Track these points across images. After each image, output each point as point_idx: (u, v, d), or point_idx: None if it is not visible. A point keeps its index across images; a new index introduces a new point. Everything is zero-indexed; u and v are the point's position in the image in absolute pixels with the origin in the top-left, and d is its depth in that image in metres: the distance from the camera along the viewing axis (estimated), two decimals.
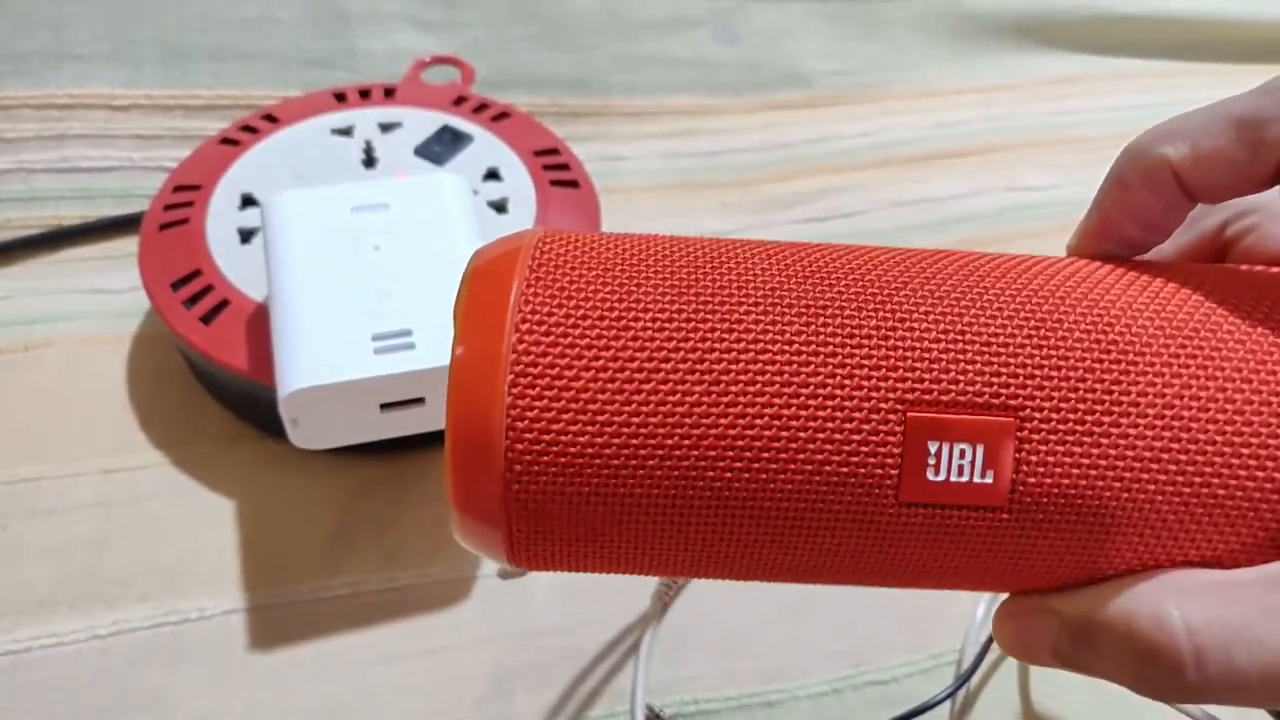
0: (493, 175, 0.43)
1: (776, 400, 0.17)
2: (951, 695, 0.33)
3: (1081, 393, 0.17)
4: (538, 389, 0.16)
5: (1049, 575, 0.18)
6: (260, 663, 0.34)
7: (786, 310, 0.17)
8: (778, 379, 0.17)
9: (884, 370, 0.17)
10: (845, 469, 0.17)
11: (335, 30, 0.54)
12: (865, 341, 0.17)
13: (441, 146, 0.44)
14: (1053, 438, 0.17)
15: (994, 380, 0.17)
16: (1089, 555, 0.17)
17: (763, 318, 0.17)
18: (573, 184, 0.44)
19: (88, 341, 0.43)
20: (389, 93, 0.47)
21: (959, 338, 0.17)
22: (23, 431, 0.40)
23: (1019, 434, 0.17)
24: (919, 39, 0.60)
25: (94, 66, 0.51)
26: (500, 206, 0.42)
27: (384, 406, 0.33)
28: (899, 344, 0.17)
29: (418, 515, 0.38)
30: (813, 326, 0.17)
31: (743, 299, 0.17)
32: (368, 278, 0.34)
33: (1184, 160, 0.18)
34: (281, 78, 0.53)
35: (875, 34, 0.60)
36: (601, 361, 0.17)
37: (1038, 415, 0.17)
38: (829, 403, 0.17)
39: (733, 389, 0.17)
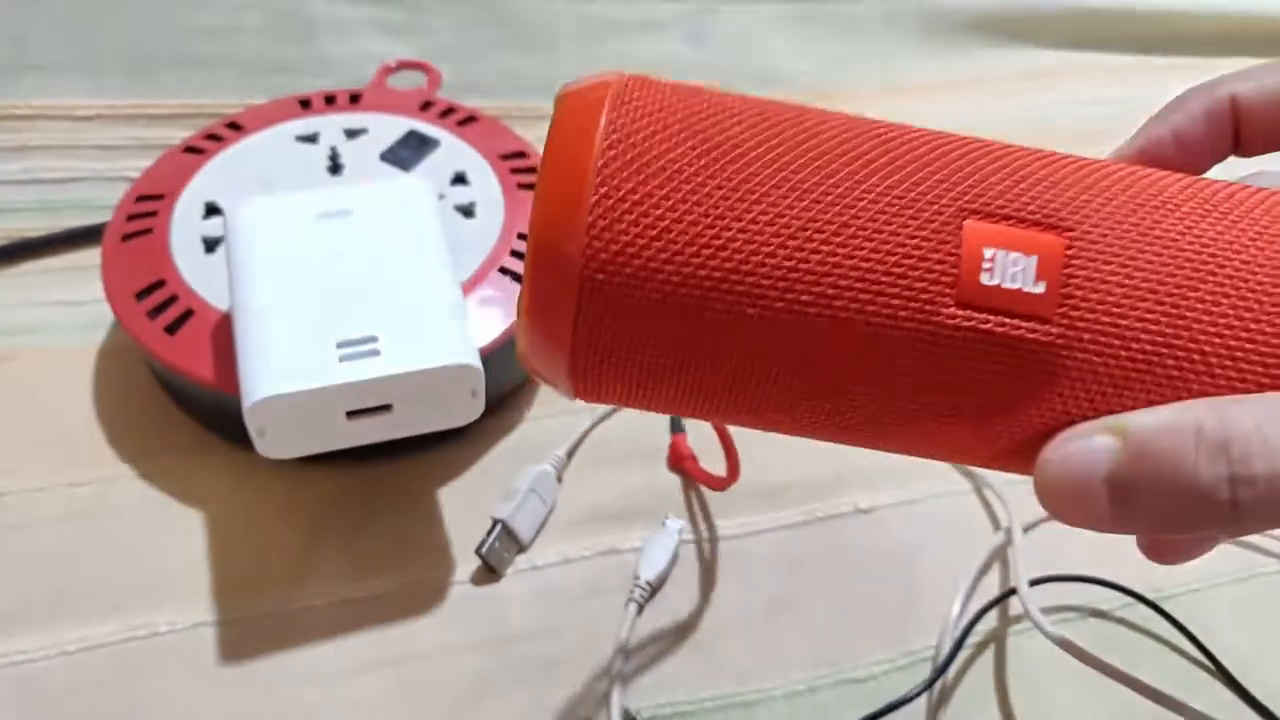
0: (460, 179, 0.43)
1: (844, 200, 0.18)
2: (928, 689, 0.34)
3: (1127, 226, 0.18)
4: (620, 207, 0.18)
5: (1091, 409, 0.19)
6: (231, 674, 0.34)
7: (859, 135, 0.19)
8: (845, 182, 0.18)
9: (947, 183, 0.18)
10: (906, 264, 0.18)
11: (301, 36, 0.54)
12: (931, 162, 0.18)
13: (408, 152, 0.44)
14: (1100, 259, 0.18)
15: (1048, 203, 0.18)
16: (1130, 387, 0.18)
17: (834, 140, 0.18)
18: None
19: (52, 355, 0.43)
20: (355, 99, 0.47)
21: (1019, 170, 0.19)
22: None
23: (1068, 252, 0.18)
24: (888, 36, 0.60)
25: (56, 77, 0.51)
26: (468, 210, 0.42)
27: (350, 414, 0.33)
28: (962, 166, 0.19)
29: (388, 523, 0.38)
30: (883, 145, 0.18)
31: (818, 130, 0.19)
32: (332, 284, 0.34)
33: (1249, 95, 0.20)
34: (247, 85, 0.52)
35: (845, 32, 0.60)
36: (679, 181, 0.18)
37: (1087, 238, 0.18)
38: (894, 204, 0.18)
39: (806, 197, 0.18)
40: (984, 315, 0.18)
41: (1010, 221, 0.18)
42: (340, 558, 0.37)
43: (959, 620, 0.36)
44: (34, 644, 0.34)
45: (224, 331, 0.37)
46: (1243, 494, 0.16)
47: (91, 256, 0.43)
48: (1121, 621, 0.37)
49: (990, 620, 0.36)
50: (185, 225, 0.41)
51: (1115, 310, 0.18)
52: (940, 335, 0.18)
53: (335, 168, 0.43)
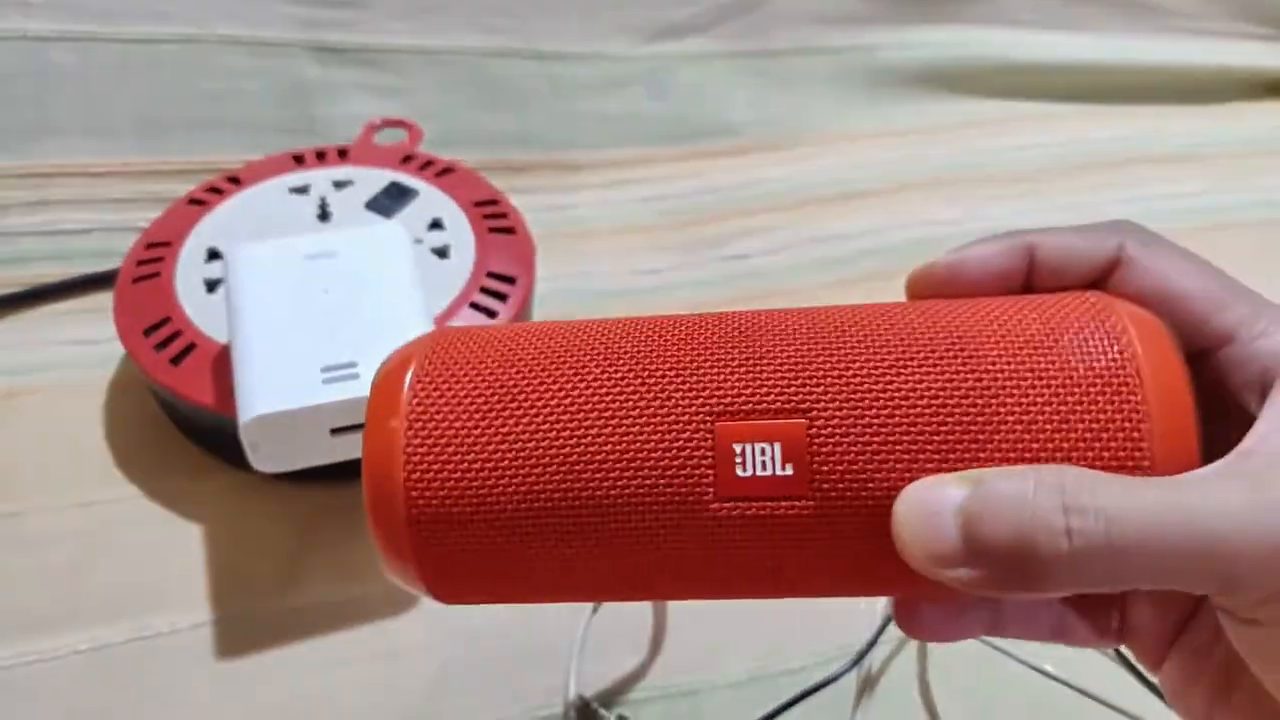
0: (436, 225, 0.48)
1: (611, 423, 0.21)
2: (853, 668, 0.37)
3: (860, 394, 0.20)
4: (425, 463, 0.21)
5: (862, 557, 0.20)
6: (228, 669, 0.38)
7: (619, 361, 0.21)
8: (611, 406, 0.21)
9: (695, 391, 0.21)
10: (671, 470, 0.20)
11: (295, 99, 0.59)
12: (682, 373, 0.21)
13: (390, 200, 0.49)
14: (839, 432, 0.20)
15: (786, 391, 0.20)
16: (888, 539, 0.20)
17: (600, 368, 0.21)
18: (509, 230, 0.48)
19: (67, 388, 0.47)
20: (342, 153, 0.51)
21: (759, 363, 0.21)
22: (7, 472, 0.43)
23: (810, 432, 0.20)
24: (836, 89, 0.65)
25: (73, 139, 0.56)
26: (443, 252, 0.46)
27: (334, 431, 0.37)
28: (709, 372, 0.21)
29: (369, 535, 0.42)
30: (640, 366, 0.21)
31: (587, 359, 0.21)
32: (318, 317, 0.38)
33: (1043, 237, 0.23)
34: (246, 143, 0.57)
35: (795, 86, 0.65)
36: (473, 434, 0.21)
37: (824, 415, 0.20)
38: (654, 420, 0.20)
39: (575, 420, 0.21)
40: (746, 503, 0.20)
41: (756, 415, 0.20)
42: (327, 565, 0.41)
43: (884, 610, 0.39)
44: (49, 645, 0.38)
45: (223, 362, 0.41)
46: (1074, 522, 0.17)
47: (103, 300, 0.47)
48: None
49: None
50: (189, 268, 0.45)
51: (859, 478, 0.20)
52: (712, 526, 0.20)
53: (324, 215, 0.48)
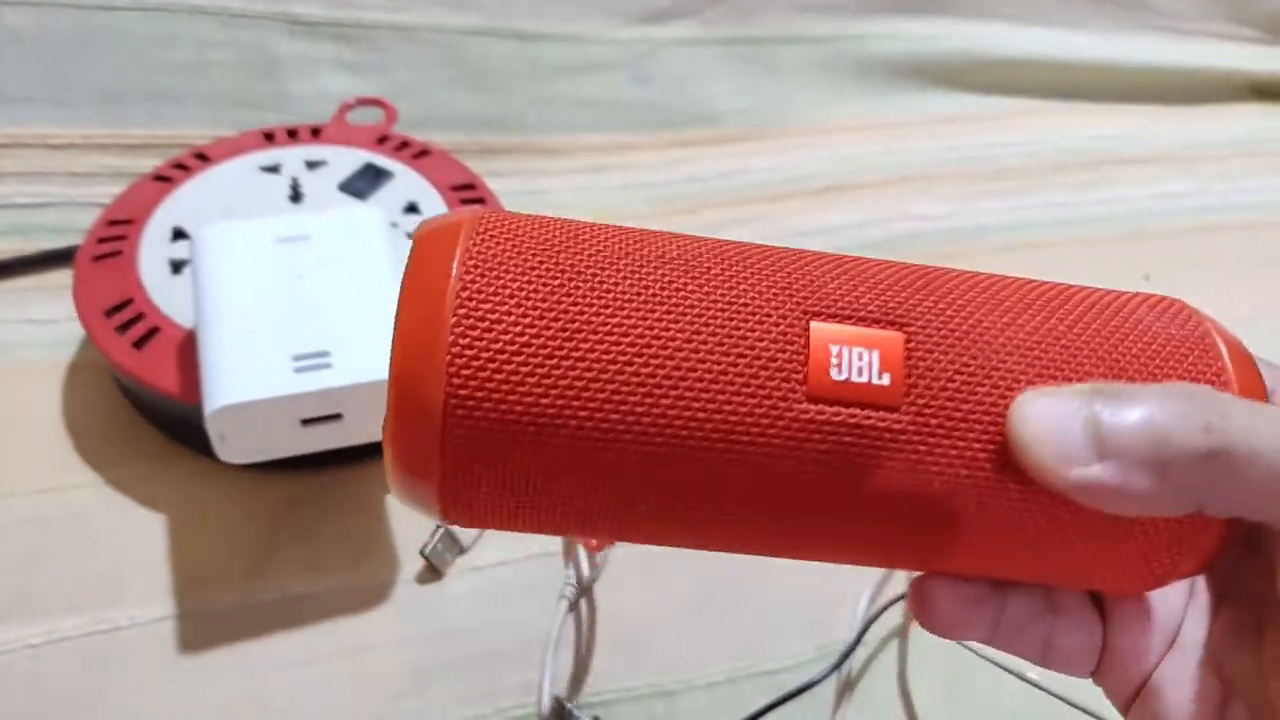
0: (412, 208, 0.46)
1: (692, 312, 0.19)
2: (834, 672, 0.37)
3: (959, 320, 0.20)
4: (475, 348, 0.18)
5: (951, 484, 0.19)
6: (190, 665, 0.36)
7: (703, 253, 0.20)
8: (693, 295, 0.19)
9: (791, 289, 0.19)
10: (757, 364, 0.19)
11: (266, 73, 0.57)
12: (775, 271, 0.20)
13: (364, 182, 0.47)
14: (938, 349, 0.19)
15: (886, 303, 0.20)
16: (977, 461, 0.19)
17: (678, 258, 0.20)
18: None
19: (23, 370, 0.45)
20: (316, 132, 0.50)
21: (857, 275, 0.20)
22: None
23: (909, 345, 0.19)
24: (822, 79, 0.64)
25: (30, 107, 0.53)
26: None
27: (304, 422, 0.36)
28: (804, 273, 0.20)
29: (340, 526, 0.41)
30: (725, 260, 0.20)
31: (663, 250, 0.20)
32: (290, 303, 0.37)
33: None
34: (214, 118, 0.55)
35: (781, 75, 0.64)
36: (530, 318, 0.18)
37: (924, 331, 0.19)
38: (742, 312, 0.19)
39: (656, 310, 0.19)
40: (835, 409, 0.19)
41: (853, 320, 0.19)
42: (294, 557, 0.39)
43: (865, 612, 0.39)
44: (1, 638, 0.36)
45: (188, 348, 0.39)
46: (1213, 419, 0.18)
47: (61, 277, 0.46)
48: None
49: (896, 615, 0.40)
50: (153, 248, 0.43)
51: (957, 395, 0.19)
52: (797, 430, 0.19)
53: (296, 196, 0.46)
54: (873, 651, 0.39)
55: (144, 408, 0.43)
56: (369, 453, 0.40)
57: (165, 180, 0.46)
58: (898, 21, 0.65)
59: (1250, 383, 0.20)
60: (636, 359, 0.18)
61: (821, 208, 0.58)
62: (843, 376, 0.19)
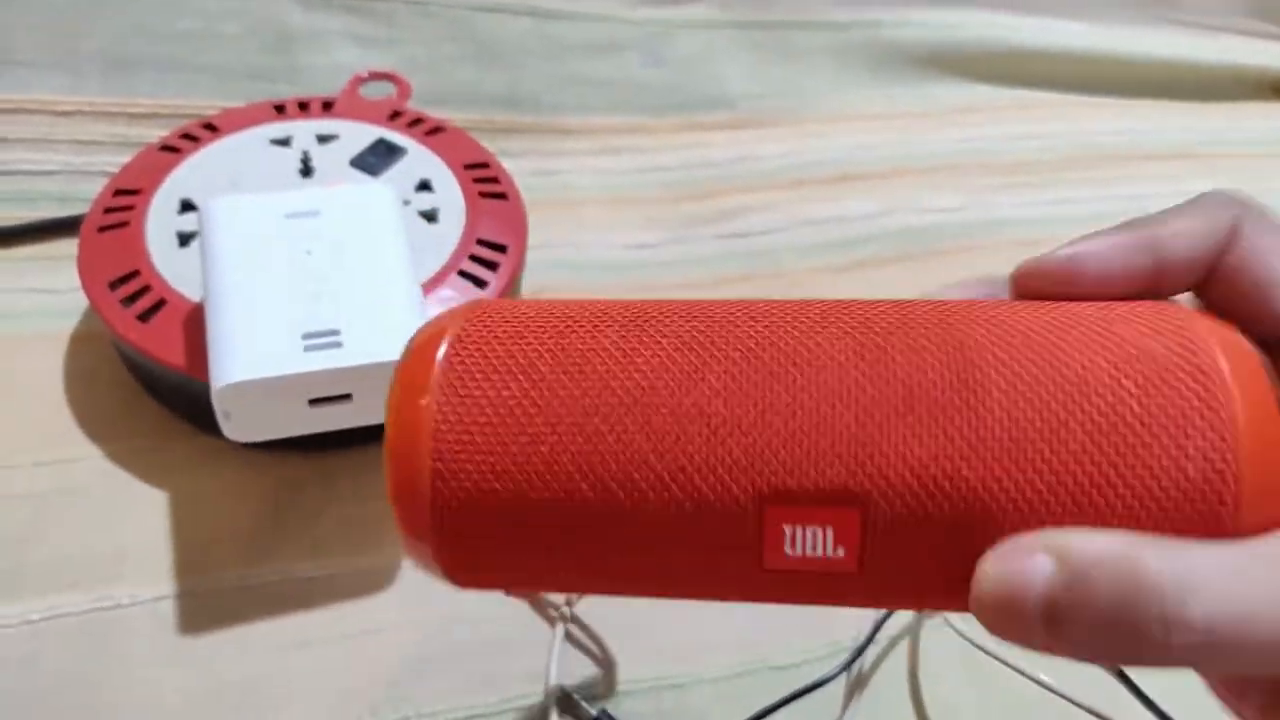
0: (425, 186, 0.45)
1: (645, 465, 0.19)
2: (844, 671, 0.36)
3: (921, 483, 0.19)
4: (455, 445, 0.20)
5: (908, 600, 0.21)
6: (190, 645, 0.36)
7: (661, 393, 0.20)
8: (648, 452, 0.19)
9: (743, 465, 0.19)
10: (712, 538, 0.19)
11: (277, 44, 0.56)
12: (730, 435, 0.19)
13: (376, 158, 0.46)
14: (895, 522, 0.19)
15: (840, 475, 0.19)
16: (936, 593, 0.20)
17: (638, 410, 0.19)
18: (501, 196, 0.46)
19: (26, 340, 0.44)
20: (327, 106, 0.49)
21: (812, 431, 0.19)
22: None
23: (864, 518, 0.19)
24: (837, 66, 0.63)
25: (37, 73, 0.52)
26: (431, 216, 0.44)
27: (313, 402, 0.35)
28: (759, 438, 0.19)
29: (344, 509, 0.40)
30: (683, 409, 0.19)
31: (638, 377, 0.20)
32: (299, 280, 0.36)
33: (1162, 228, 0.21)
34: (223, 89, 0.54)
35: (796, 60, 0.63)
36: (509, 425, 0.20)
37: (880, 505, 0.19)
38: (696, 481, 0.19)
39: (620, 439, 0.19)
40: (791, 573, 0.19)
41: (806, 501, 0.19)
42: (297, 540, 0.39)
43: (877, 613, 0.38)
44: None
45: (195, 321, 0.39)
46: (1176, 639, 0.16)
47: (66, 247, 0.45)
48: None
49: (907, 614, 0.39)
50: (160, 219, 0.43)
51: (915, 553, 0.19)
52: (752, 585, 0.20)
53: (306, 171, 0.45)
54: (884, 650, 0.38)
55: (148, 382, 0.42)
56: (376, 435, 0.39)
57: (173, 150, 0.46)
58: (916, 9, 0.64)
59: (1256, 398, 0.18)
60: (597, 485, 0.19)
61: (834, 196, 0.57)
62: (797, 553, 0.19)
